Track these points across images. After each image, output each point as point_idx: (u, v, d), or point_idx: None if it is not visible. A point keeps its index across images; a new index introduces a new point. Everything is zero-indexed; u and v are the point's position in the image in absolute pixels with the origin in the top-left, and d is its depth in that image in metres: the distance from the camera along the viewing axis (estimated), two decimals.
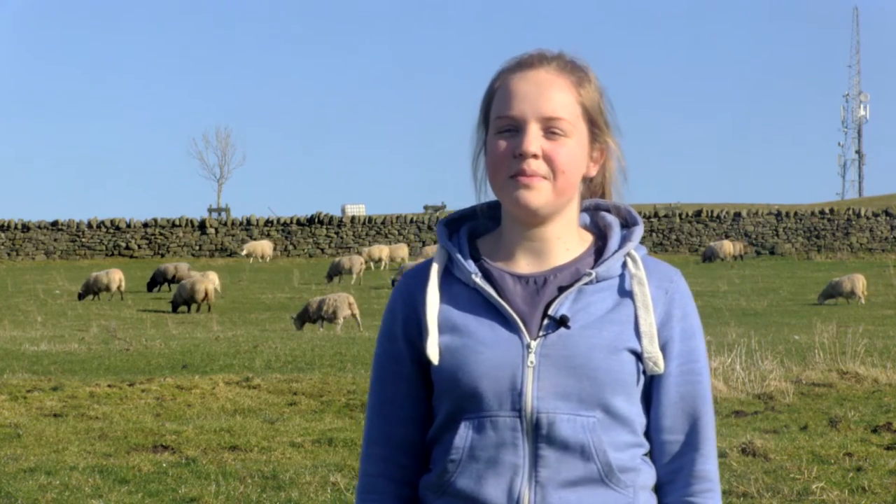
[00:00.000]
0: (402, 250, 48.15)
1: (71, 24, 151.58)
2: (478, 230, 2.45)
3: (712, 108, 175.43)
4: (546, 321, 2.30)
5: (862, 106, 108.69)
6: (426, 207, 64.08)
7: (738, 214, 55.52)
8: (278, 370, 15.02)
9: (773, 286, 36.25)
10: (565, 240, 2.37)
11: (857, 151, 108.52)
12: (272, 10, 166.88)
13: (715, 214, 55.40)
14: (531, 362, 2.27)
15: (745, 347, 13.80)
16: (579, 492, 2.26)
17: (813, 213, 55.87)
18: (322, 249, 54.35)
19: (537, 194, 2.30)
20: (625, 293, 2.33)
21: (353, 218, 55.57)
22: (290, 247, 54.43)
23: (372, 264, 46.22)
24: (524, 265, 2.36)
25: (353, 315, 25.31)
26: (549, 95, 2.31)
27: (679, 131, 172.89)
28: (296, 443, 9.90)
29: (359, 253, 47.45)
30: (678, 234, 54.91)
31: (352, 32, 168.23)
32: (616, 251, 2.37)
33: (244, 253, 51.13)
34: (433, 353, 2.31)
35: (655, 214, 55.36)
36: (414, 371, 2.38)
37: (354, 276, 40.80)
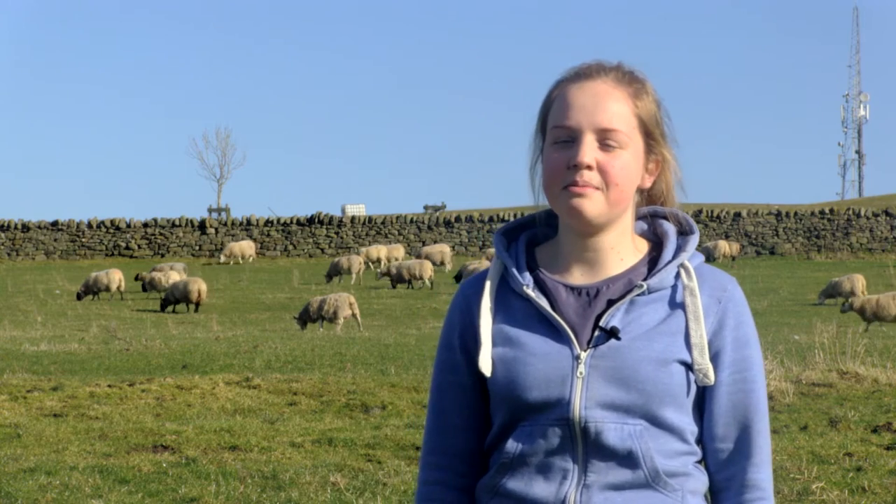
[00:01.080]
0: (398, 251, 48.10)
1: (71, 25, 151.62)
2: (537, 238, 2.47)
3: (712, 108, 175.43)
4: (597, 332, 2.32)
5: (862, 106, 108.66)
6: (426, 207, 64.09)
7: (738, 214, 55.53)
8: (278, 370, 15.02)
9: (773, 286, 36.25)
10: (619, 250, 2.39)
11: (857, 151, 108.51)
12: (272, 11, 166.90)
13: (715, 214, 55.41)
14: (580, 373, 2.30)
15: None
16: (625, 494, 2.30)
17: (813, 213, 55.87)
18: (322, 249, 54.35)
19: (590, 204, 2.31)
20: (676, 304, 2.35)
21: (353, 218, 55.56)
22: (290, 247, 54.42)
23: (371, 264, 46.20)
24: (578, 276, 2.39)
25: (354, 315, 25.34)
26: (606, 107, 2.33)
27: (679, 131, 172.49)
28: (296, 443, 9.90)
29: (358, 253, 47.41)
30: None
31: (352, 32, 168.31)
32: (669, 262, 2.38)
33: (221, 260, 50.09)
34: (486, 365, 2.35)
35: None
36: (471, 381, 2.41)
37: (354, 276, 40.76)
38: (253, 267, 49.23)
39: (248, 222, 54.78)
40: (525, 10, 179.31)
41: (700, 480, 2.36)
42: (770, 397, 11.91)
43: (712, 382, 2.33)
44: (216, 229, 54.57)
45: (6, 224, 53.24)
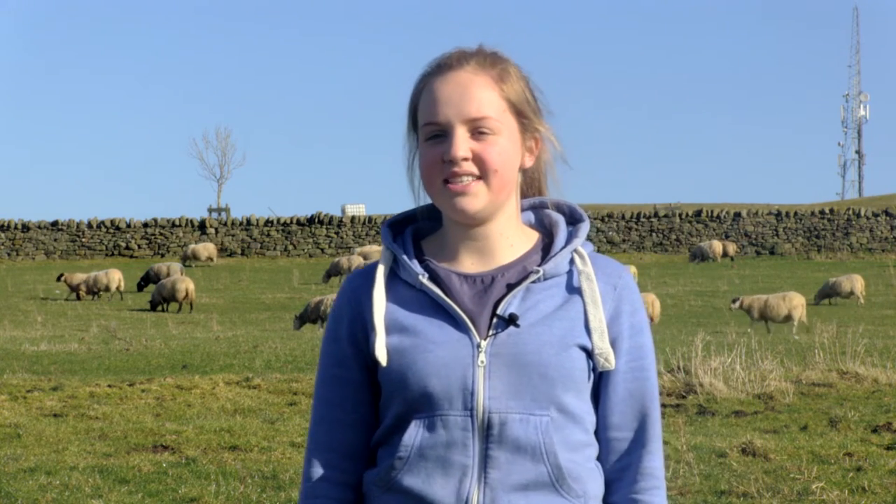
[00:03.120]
0: None
1: (71, 24, 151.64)
2: (421, 231, 2.44)
3: (712, 108, 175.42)
4: (495, 320, 2.28)
5: (862, 106, 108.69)
6: None
7: (738, 214, 55.51)
8: (278, 370, 15.03)
9: (773, 286, 36.22)
10: (508, 236, 2.36)
11: (857, 151, 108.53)
12: (272, 10, 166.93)
13: (715, 214, 55.39)
14: (482, 362, 2.25)
15: (745, 347, 13.81)
16: (530, 497, 2.25)
17: (813, 213, 55.86)
18: (322, 249, 54.34)
19: (474, 200, 2.29)
20: (573, 290, 2.32)
21: (353, 218, 55.56)
22: (290, 247, 54.42)
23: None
24: (469, 264, 2.35)
25: None
26: (472, 95, 2.29)
27: (679, 131, 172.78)
28: (296, 443, 9.90)
29: (353, 253, 47.39)
30: (678, 234, 54.87)
31: (352, 33, 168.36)
32: (563, 248, 2.35)
33: (184, 262, 47.87)
34: (381, 353, 2.28)
35: (655, 214, 55.33)
36: (359, 375, 2.35)
37: None
38: (253, 267, 49.21)
39: (248, 222, 54.78)
40: (525, 9, 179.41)
41: (598, 484, 2.32)
42: (770, 397, 11.91)
43: (613, 367, 2.30)
44: (216, 229, 54.56)
45: (6, 224, 53.23)
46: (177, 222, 54.49)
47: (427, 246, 2.40)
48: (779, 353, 14.37)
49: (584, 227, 2.40)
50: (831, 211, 56.26)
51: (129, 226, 54.17)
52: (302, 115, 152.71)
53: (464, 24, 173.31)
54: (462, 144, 2.28)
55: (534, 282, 2.31)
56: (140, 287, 37.90)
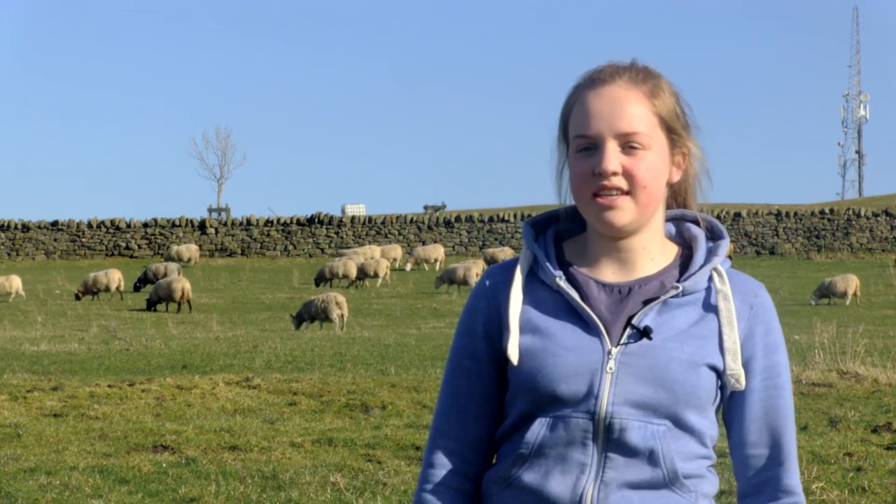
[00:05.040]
0: (396, 251, 48.12)
1: (71, 24, 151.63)
2: (563, 233, 2.47)
3: (712, 108, 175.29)
4: (629, 330, 2.31)
5: (862, 106, 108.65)
6: (426, 207, 64.09)
7: (738, 214, 55.55)
8: (278, 370, 15.03)
9: (773, 286, 36.23)
10: (650, 250, 2.39)
11: (857, 151, 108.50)
12: (272, 10, 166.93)
13: (715, 214, 55.33)
14: (610, 368, 2.29)
15: None
16: (642, 493, 2.29)
17: (813, 213, 55.89)
18: (322, 249, 54.36)
19: (621, 214, 2.31)
20: (709, 308, 2.35)
21: (353, 218, 55.58)
22: (290, 247, 54.44)
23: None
24: (609, 273, 2.38)
25: (342, 315, 25.41)
26: (624, 110, 2.32)
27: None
28: (296, 443, 9.90)
29: (356, 253, 47.37)
30: None
31: (352, 32, 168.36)
32: (703, 265, 2.38)
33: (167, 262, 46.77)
34: (513, 352, 2.33)
35: None
36: (490, 369, 2.40)
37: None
38: (253, 267, 49.22)
39: (248, 222, 54.79)
40: (525, 9, 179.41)
41: (713, 484, 2.37)
42: None
43: (743, 388, 2.34)
44: (216, 229, 54.57)
45: (6, 224, 53.25)
46: (177, 222, 54.50)
47: (568, 248, 2.44)
48: None
49: (724, 245, 2.42)
50: (831, 211, 56.29)
51: (129, 226, 54.19)
52: (302, 115, 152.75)
53: (464, 24, 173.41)
54: (613, 159, 2.30)
55: (672, 297, 2.34)
56: (137, 287, 37.91)
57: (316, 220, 55.03)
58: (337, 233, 54.86)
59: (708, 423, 2.35)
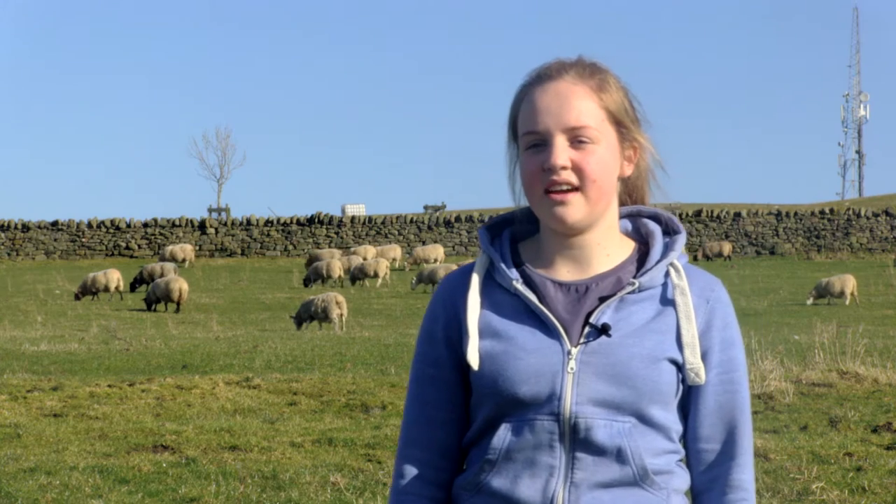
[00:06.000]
0: (395, 251, 48.08)
1: (71, 24, 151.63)
2: (519, 234, 2.47)
3: (712, 108, 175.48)
4: (587, 329, 2.31)
5: (862, 106, 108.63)
6: (426, 207, 64.08)
7: (738, 214, 55.54)
8: (278, 370, 15.03)
9: (773, 286, 36.25)
10: (605, 245, 2.39)
11: (857, 151, 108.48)
12: (272, 11, 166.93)
13: (715, 214, 55.42)
14: (571, 368, 2.29)
15: (745, 347, 13.78)
16: (613, 492, 2.29)
17: (813, 213, 55.88)
18: (322, 249, 54.34)
19: (573, 209, 2.31)
20: (667, 303, 2.35)
21: (353, 218, 55.57)
22: (290, 247, 54.43)
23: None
24: (565, 272, 2.38)
25: (341, 315, 25.41)
26: (571, 105, 2.32)
27: (679, 131, 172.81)
28: (296, 443, 9.90)
29: (355, 253, 47.35)
30: None
31: (352, 33, 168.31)
32: (659, 260, 2.38)
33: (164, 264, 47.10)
34: (473, 358, 2.32)
35: None
36: (454, 375, 2.40)
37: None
38: (253, 267, 49.22)
39: (248, 222, 54.79)
40: (525, 9, 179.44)
41: (682, 479, 2.36)
42: (770, 397, 11.91)
43: (703, 382, 2.33)
44: (216, 229, 54.57)
45: (6, 224, 53.24)
46: (177, 222, 54.49)
47: (524, 250, 2.44)
48: (779, 353, 14.36)
49: (681, 240, 2.43)
50: (831, 211, 56.28)
51: (129, 226, 54.18)
52: (301, 115, 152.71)
53: (464, 24, 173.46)
54: (561, 153, 2.30)
55: (629, 293, 2.34)
56: (133, 287, 37.89)
57: (316, 220, 55.03)
58: (337, 233, 54.86)
59: (673, 417, 2.34)
